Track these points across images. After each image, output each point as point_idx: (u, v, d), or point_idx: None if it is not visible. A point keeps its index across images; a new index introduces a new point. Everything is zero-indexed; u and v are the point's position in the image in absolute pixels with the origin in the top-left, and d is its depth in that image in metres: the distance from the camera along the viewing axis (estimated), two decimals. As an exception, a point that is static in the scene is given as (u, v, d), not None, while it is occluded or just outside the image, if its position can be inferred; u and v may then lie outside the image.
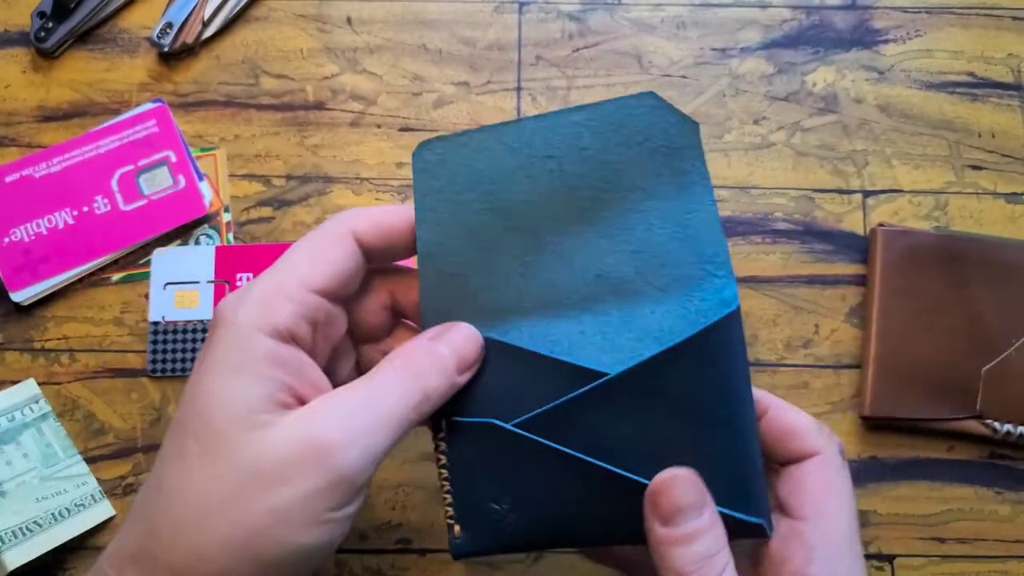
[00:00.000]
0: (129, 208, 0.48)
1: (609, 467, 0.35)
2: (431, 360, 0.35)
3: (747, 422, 0.35)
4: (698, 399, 0.35)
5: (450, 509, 0.37)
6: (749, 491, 0.35)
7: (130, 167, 0.49)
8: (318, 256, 0.35)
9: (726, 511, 0.35)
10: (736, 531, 0.34)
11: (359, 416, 0.33)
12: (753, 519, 0.35)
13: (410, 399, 0.34)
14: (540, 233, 0.37)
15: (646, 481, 0.34)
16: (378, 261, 0.37)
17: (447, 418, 0.36)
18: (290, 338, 0.33)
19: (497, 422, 0.36)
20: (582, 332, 0.37)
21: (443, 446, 0.36)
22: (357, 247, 0.36)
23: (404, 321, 0.40)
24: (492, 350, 0.36)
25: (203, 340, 0.46)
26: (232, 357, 0.32)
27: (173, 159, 0.49)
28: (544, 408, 0.36)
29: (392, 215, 0.37)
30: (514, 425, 0.36)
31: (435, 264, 0.37)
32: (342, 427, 0.32)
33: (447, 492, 0.37)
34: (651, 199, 0.37)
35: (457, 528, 0.36)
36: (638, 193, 0.37)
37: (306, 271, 0.34)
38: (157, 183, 0.49)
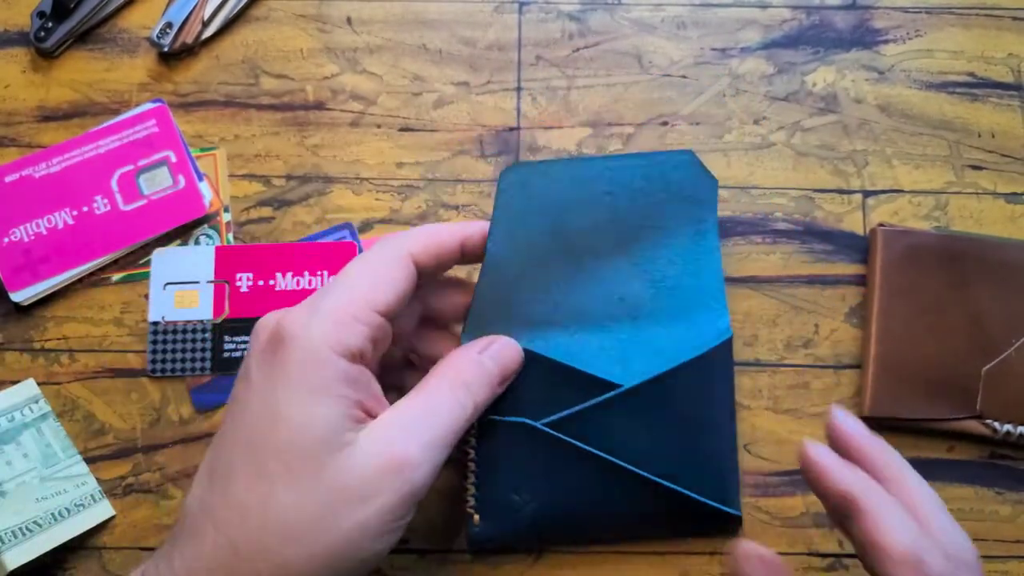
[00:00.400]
0: (129, 208, 0.48)
1: (623, 464, 0.41)
2: (478, 373, 0.38)
3: (730, 428, 0.43)
4: (695, 409, 0.42)
5: (471, 500, 0.41)
6: (730, 488, 0.42)
7: (130, 167, 0.49)
8: (382, 279, 0.36)
9: (714, 504, 0.41)
10: (720, 521, 0.41)
11: (425, 431, 0.35)
12: (734, 512, 0.42)
13: (464, 411, 0.36)
14: (584, 257, 0.42)
15: (654, 477, 0.40)
16: (426, 278, 0.39)
17: (480, 418, 0.40)
18: (360, 357, 0.35)
19: (530, 422, 0.41)
20: (600, 346, 0.42)
21: (473, 442, 0.41)
22: (414, 268, 0.37)
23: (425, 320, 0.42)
24: (524, 358, 0.41)
25: (202, 340, 0.47)
26: (310, 378, 0.33)
27: (173, 159, 0.49)
28: (571, 411, 0.41)
29: (443, 235, 0.39)
30: (544, 425, 0.41)
31: (494, 275, 0.41)
32: (415, 442, 0.34)
33: (472, 484, 0.41)
34: (674, 238, 0.43)
35: (476, 517, 0.41)
36: (666, 232, 0.42)
37: (373, 293, 0.36)
38: (157, 183, 0.49)
